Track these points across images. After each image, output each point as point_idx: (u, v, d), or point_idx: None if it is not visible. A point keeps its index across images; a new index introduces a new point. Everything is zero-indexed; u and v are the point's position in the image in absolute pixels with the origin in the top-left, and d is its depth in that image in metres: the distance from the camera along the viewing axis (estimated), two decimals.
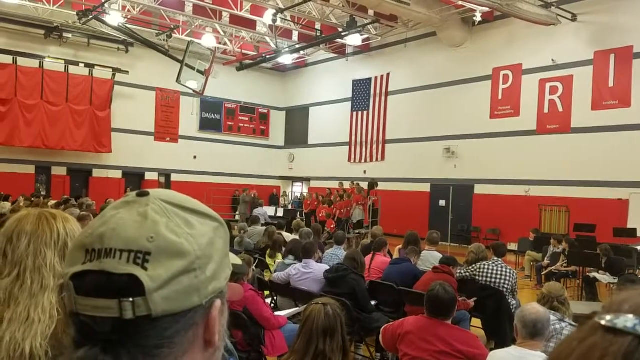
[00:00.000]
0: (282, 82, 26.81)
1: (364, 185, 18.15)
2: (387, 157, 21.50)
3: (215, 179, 24.13)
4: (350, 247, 11.90)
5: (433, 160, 19.31)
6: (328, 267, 6.11)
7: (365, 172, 21.64)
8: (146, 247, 0.62)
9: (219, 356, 0.71)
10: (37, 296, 1.37)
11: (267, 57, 19.57)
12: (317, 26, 18.45)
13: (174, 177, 23.62)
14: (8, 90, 19.72)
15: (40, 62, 20.16)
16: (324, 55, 23.76)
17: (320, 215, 16.89)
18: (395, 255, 7.73)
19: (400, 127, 20.77)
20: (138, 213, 0.65)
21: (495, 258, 6.57)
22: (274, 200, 23.64)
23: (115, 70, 21.46)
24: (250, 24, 19.54)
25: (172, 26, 19.91)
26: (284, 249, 7.41)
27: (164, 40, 20.08)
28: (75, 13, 17.50)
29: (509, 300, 6.19)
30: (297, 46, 19.76)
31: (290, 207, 22.61)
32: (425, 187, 19.76)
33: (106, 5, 16.96)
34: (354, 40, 18.43)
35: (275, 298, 6.62)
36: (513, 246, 14.18)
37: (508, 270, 6.39)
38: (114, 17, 17.79)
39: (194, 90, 18.41)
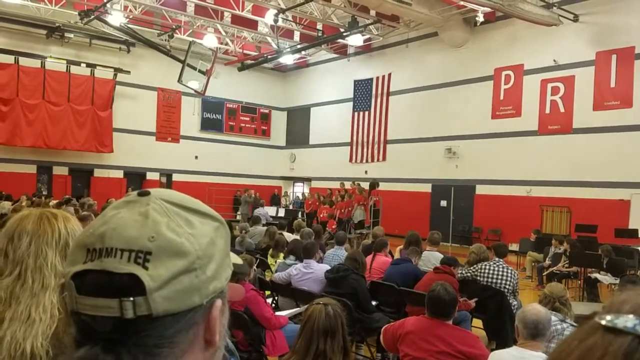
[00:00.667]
0: (284, 82, 26.81)
1: (365, 185, 18.15)
2: (388, 157, 21.50)
3: (217, 179, 24.14)
4: (351, 248, 11.91)
5: (434, 161, 19.30)
6: (329, 267, 6.11)
7: (366, 172, 21.63)
8: (147, 247, 0.62)
9: (220, 356, 0.71)
10: (38, 295, 1.37)
11: (269, 57, 19.58)
12: (319, 26, 18.46)
13: (175, 177, 23.64)
14: (10, 90, 19.75)
15: (42, 62, 20.20)
16: (325, 56, 23.76)
17: (322, 215, 16.89)
18: (396, 256, 7.73)
19: (402, 128, 20.76)
20: (139, 213, 0.65)
21: (497, 258, 6.56)
22: (275, 201, 23.64)
23: (117, 70, 21.48)
24: (252, 24, 19.55)
25: (174, 26, 19.92)
26: (286, 248, 7.42)
27: (165, 40, 20.09)
28: (77, 13, 17.52)
29: (510, 301, 6.18)
30: (299, 46, 19.76)
31: (291, 207, 22.61)
32: (427, 188, 19.75)
33: (108, 5, 16.98)
34: (355, 40, 18.44)
35: (276, 298, 6.62)
36: (514, 247, 14.17)
37: (509, 271, 6.38)
38: (116, 17, 17.82)
39: (195, 90, 18.44)
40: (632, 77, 14.55)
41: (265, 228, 10.22)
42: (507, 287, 6.25)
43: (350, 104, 23.05)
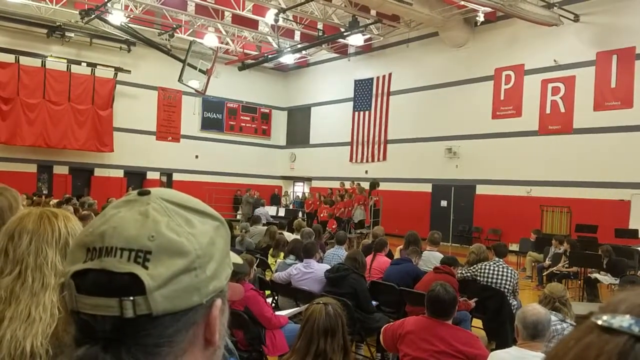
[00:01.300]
0: (284, 81, 26.81)
1: (366, 185, 18.16)
2: (388, 157, 21.50)
3: (217, 179, 24.14)
4: (351, 247, 11.92)
5: (434, 161, 19.30)
6: (329, 267, 6.11)
7: (366, 172, 21.63)
8: (147, 246, 0.62)
9: (219, 355, 0.71)
10: (38, 295, 1.37)
11: (269, 56, 19.59)
12: (319, 26, 18.45)
13: (176, 177, 23.64)
14: (10, 89, 19.75)
15: (42, 61, 20.19)
16: (326, 55, 23.75)
17: (322, 215, 16.89)
18: (396, 256, 7.73)
19: (402, 127, 20.76)
20: (139, 212, 0.65)
21: (497, 258, 6.57)
22: (275, 200, 23.64)
23: (118, 70, 21.48)
24: (253, 24, 19.55)
25: (175, 25, 19.92)
26: (286, 248, 7.42)
27: (166, 39, 20.11)
28: (77, 12, 17.54)
29: (510, 301, 6.18)
30: (299, 46, 19.76)
31: (291, 206, 22.60)
32: (427, 187, 19.75)
33: (109, 4, 16.98)
34: (356, 40, 18.44)
35: (276, 298, 6.62)
36: (514, 247, 14.17)
37: (509, 271, 6.39)
38: (117, 17, 17.83)
39: (196, 90, 18.44)
40: (633, 78, 14.54)
41: (265, 228, 10.23)
42: (507, 287, 6.25)
43: (351, 103, 23.05)
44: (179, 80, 17.30)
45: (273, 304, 6.41)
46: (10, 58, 19.64)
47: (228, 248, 0.72)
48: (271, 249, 8.10)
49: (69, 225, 1.49)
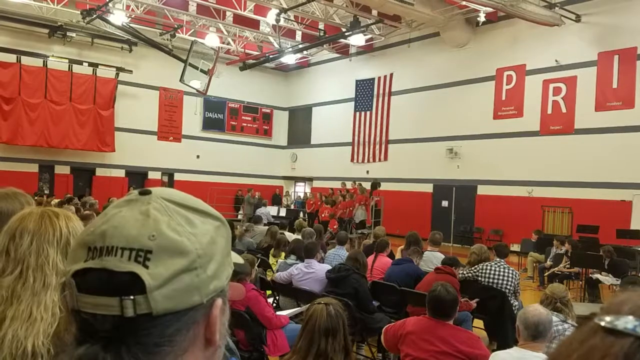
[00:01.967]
0: (285, 82, 26.82)
1: (367, 185, 18.15)
2: (389, 157, 21.49)
3: (218, 179, 24.15)
4: (352, 247, 11.92)
5: (436, 161, 19.29)
6: (330, 267, 6.11)
7: (367, 172, 21.62)
8: (147, 246, 0.62)
9: (220, 355, 0.71)
10: (40, 294, 1.37)
11: (270, 56, 19.60)
12: (321, 26, 18.45)
13: (177, 177, 23.66)
14: (12, 89, 19.77)
15: (44, 61, 20.21)
16: (327, 55, 23.75)
17: (323, 215, 16.89)
18: (398, 256, 7.73)
19: (403, 128, 20.75)
20: (140, 211, 0.65)
21: (498, 259, 6.55)
22: (276, 200, 23.65)
23: (119, 70, 21.50)
24: (254, 24, 19.55)
25: (176, 26, 19.95)
26: (287, 248, 7.42)
27: (167, 39, 20.12)
28: (79, 12, 17.55)
29: (511, 302, 6.18)
30: (301, 46, 19.77)
31: (292, 207, 22.61)
32: (428, 188, 19.74)
33: (110, 4, 17.00)
34: (357, 40, 18.43)
35: (277, 298, 6.63)
36: (516, 247, 14.17)
37: (510, 271, 6.38)
38: (118, 17, 17.84)
39: (197, 90, 18.44)
40: (634, 78, 14.52)
41: (266, 227, 10.24)
42: (508, 287, 6.25)
43: (352, 103, 23.05)
44: (180, 80, 17.30)
45: (274, 304, 6.41)
46: (11, 58, 19.66)
47: (229, 248, 0.72)
48: (272, 249, 8.11)
49: (70, 225, 1.50)
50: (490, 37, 17.99)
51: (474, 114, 18.19)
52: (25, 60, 19.87)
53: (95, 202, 11.71)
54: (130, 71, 21.65)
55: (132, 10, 19.04)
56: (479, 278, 6.40)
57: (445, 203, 18.79)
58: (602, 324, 0.43)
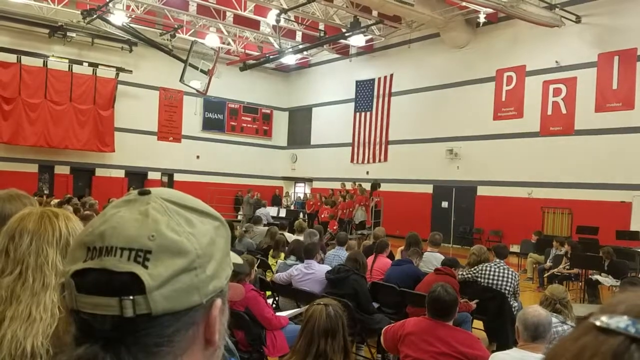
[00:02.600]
0: (285, 82, 26.82)
1: (367, 186, 18.16)
2: (389, 158, 21.49)
3: (218, 179, 24.15)
4: (352, 248, 11.89)
5: (436, 162, 19.29)
6: (330, 268, 6.11)
7: (367, 173, 21.62)
8: (147, 246, 0.62)
9: (219, 355, 0.71)
10: (39, 294, 1.37)
11: (271, 57, 19.60)
12: (321, 26, 18.47)
13: (177, 177, 23.66)
14: (12, 89, 19.77)
15: (44, 61, 20.21)
16: (327, 56, 23.76)
17: (323, 216, 16.90)
18: (397, 257, 7.73)
19: (403, 128, 20.75)
20: (139, 211, 0.65)
21: (497, 260, 6.55)
22: (276, 201, 23.64)
23: (119, 70, 21.50)
24: (254, 24, 19.56)
25: (176, 26, 19.95)
26: (287, 248, 7.42)
27: (167, 39, 20.12)
28: (79, 12, 17.56)
29: (511, 302, 6.18)
30: (301, 46, 19.77)
31: (292, 207, 22.61)
32: (428, 189, 19.73)
33: (110, 4, 17.01)
34: (357, 40, 18.43)
35: (277, 298, 6.62)
36: (515, 248, 14.16)
37: (510, 272, 6.38)
38: (118, 17, 17.85)
39: (197, 90, 18.43)
40: (634, 79, 14.53)
41: (266, 228, 10.23)
42: (507, 288, 6.24)
43: (352, 104, 23.05)
44: (180, 81, 17.29)
45: (274, 305, 6.41)
46: (12, 58, 19.66)
47: (228, 248, 0.72)
48: (272, 250, 8.10)
49: (70, 225, 1.49)
50: (491, 38, 18.00)
51: (474, 114, 18.20)
52: (26, 60, 19.88)
53: (95, 203, 11.72)
54: (130, 71, 21.66)
55: (132, 10, 19.05)
56: (479, 279, 6.40)
57: (445, 204, 18.81)
58: (597, 323, 0.43)
